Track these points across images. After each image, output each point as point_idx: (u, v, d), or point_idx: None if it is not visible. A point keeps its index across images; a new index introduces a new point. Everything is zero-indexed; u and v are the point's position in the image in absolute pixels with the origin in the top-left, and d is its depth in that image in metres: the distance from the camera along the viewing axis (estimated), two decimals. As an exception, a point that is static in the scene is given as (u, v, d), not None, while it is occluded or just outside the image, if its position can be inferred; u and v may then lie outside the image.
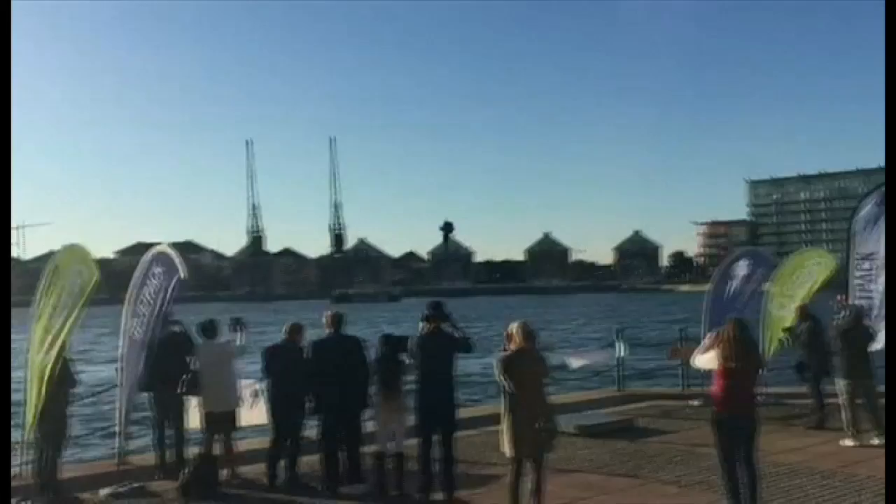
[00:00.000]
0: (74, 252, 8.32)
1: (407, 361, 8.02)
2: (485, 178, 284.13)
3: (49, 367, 7.76)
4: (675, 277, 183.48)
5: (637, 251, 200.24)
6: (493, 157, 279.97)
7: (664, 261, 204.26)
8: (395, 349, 8.09)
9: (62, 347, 7.83)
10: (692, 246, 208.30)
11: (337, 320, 8.43)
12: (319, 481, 8.33)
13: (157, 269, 8.86)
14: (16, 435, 8.82)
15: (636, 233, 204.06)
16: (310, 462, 8.69)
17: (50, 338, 7.87)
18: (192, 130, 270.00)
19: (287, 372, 8.35)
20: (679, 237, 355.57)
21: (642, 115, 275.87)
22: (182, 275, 8.55)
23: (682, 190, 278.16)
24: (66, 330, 7.88)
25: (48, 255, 8.32)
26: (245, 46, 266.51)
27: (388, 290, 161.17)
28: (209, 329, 8.93)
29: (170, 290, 8.72)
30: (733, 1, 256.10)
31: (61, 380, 8.01)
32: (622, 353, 14.65)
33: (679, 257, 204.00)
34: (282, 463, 8.46)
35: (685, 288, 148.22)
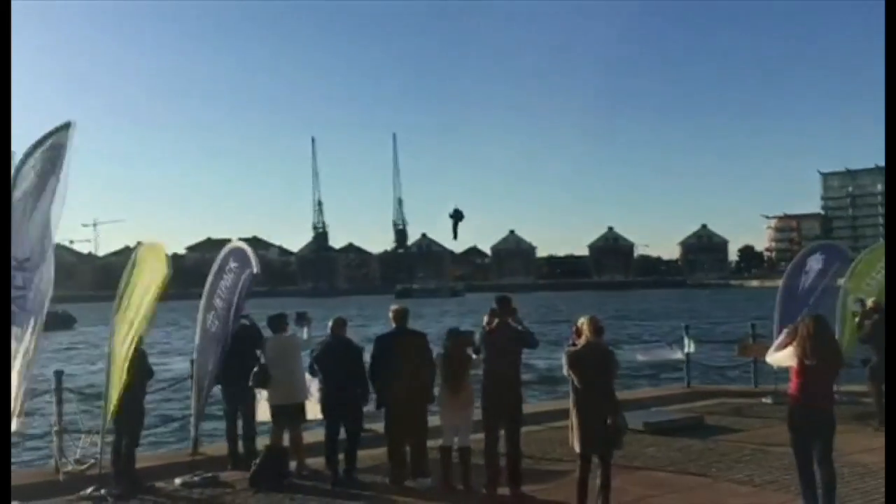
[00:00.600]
0: (152, 248, 8.55)
1: (473, 356, 8.02)
2: (547, 173, 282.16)
3: (127, 358, 8.00)
4: (744, 272, 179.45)
5: (704, 246, 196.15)
6: (556, 151, 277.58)
7: (732, 255, 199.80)
8: (460, 343, 8.10)
9: (138, 340, 8.05)
10: (761, 240, 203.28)
11: (402, 315, 8.47)
12: (385, 475, 8.38)
13: (233, 264, 9.00)
14: (92, 423, 9.15)
15: (703, 227, 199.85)
16: (376, 455, 8.76)
17: (130, 330, 8.10)
18: (258, 129, 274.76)
19: (333, 366, 8.35)
20: (748, 231, 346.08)
21: (710, 107, 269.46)
22: (255, 270, 8.67)
23: (752, 183, 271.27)
24: (139, 323, 8.10)
25: (122, 251, 8.58)
26: (308, 46, 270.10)
27: (450, 285, 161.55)
28: (277, 323, 9.07)
29: (242, 284, 8.85)
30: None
31: (138, 371, 8.26)
32: (690, 350, 14.38)
33: (748, 252, 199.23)
34: (340, 456, 8.45)
35: (754, 283, 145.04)
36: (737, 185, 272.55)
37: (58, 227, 7.59)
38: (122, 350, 8.03)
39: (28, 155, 7.57)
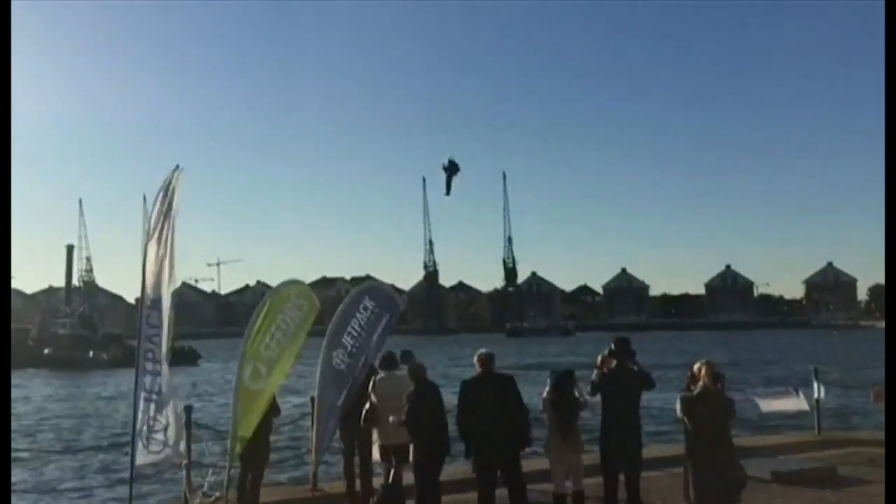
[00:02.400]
0: (294, 286, 8.88)
1: (580, 398, 7.89)
2: (661, 207, 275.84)
3: (266, 395, 8.28)
4: (875, 313, 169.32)
5: (830, 284, 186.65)
6: (669, 185, 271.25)
7: (861, 295, 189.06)
8: (567, 384, 7.96)
9: (281, 377, 8.32)
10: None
11: (487, 360, 8.13)
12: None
13: (369, 303, 9.19)
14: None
15: (829, 265, 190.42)
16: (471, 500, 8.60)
17: (265, 367, 8.40)
18: (370, 169, 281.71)
19: (413, 410, 8.14)
20: (878, 269, 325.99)
21: (834, 136, 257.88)
22: (402, 307, 8.82)
23: (881, 216, 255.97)
24: (285, 361, 8.37)
25: (243, 290, 8.96)
26: (417, 86, 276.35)
27: (560, 324, 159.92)
28: (388, 361, 9.18)
29: (385, 325, 9.06)
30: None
31: (268, 408, 8.56)
32: (820, 396, 13.66)
33: (879, 291, 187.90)
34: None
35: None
36: (865, 218, 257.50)
37: (175, 265, 7.99)
38: (256, 386, 8.34)
39: (154, 201, 8.08)
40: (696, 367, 6.71)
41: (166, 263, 7.90)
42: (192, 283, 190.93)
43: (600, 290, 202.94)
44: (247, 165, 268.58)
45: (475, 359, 8.25)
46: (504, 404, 7.89)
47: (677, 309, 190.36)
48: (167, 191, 8.04)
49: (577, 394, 7.90)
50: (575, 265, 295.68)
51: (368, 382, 9.10)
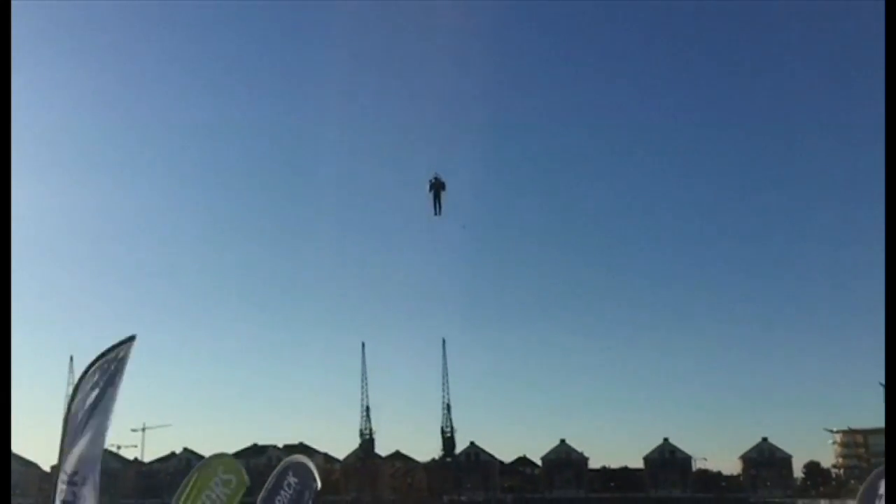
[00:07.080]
0: (221, 460, 8.57)
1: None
2: (600, 379, 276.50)
3: None
4: (811, 490, 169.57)
5: (766, 460, 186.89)
6: (609, 357, 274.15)
7: (797, 471, 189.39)
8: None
9: None
10: (828, 455, 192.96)
11: None
12: None
13: (292, 479, 9.04)
14: None
15: (764, 440, 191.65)
16: None
17: None
18: (306, 333, 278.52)
19: None
20: (812, 446, 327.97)
21: (771, 315, 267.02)
22: (318, 486, 8.80)
23: (814, 394, 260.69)
24: None
25: (167, 458, 8.53)
26: (356, 249, 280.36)
27: (498, 497, 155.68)
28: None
29: (308, 499, 8.86)
30: None
31: None
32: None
33: (814, 468, 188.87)
34: None
35: (823, 503, 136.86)
36: (799, 396, 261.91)
37: (107, 439, 7.66)
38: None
39: (90, 367, 7.74)
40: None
41: (97, 437, 7.48)
42: (114, 449, 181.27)
43: (539, 462, 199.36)
44: (177, 327, 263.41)
45: None
46: None
47: (617, 482, 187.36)
48: (114, 359, 7.72)
49: None
50: (514, 434, 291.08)
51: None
